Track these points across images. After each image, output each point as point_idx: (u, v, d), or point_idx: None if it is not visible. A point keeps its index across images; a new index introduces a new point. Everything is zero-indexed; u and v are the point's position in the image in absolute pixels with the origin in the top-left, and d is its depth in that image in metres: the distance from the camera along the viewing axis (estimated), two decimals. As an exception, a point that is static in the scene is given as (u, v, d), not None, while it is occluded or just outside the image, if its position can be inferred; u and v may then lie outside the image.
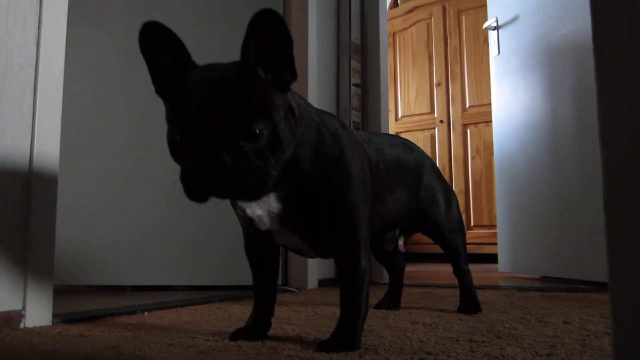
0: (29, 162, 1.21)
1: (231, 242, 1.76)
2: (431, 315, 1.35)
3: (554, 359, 0.85)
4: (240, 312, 1.40)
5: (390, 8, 4.65)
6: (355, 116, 2.47)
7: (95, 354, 0.90)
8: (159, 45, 0.84)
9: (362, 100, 2.54)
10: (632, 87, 0.52)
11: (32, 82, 1.23)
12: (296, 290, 2.00)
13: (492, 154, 3.12)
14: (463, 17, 4.26)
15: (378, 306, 1.51)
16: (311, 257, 1.12)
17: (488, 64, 3.04)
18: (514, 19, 2.72)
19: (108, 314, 1.35)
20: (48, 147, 1.24)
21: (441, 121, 4.25)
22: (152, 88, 0.87)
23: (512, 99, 2.73)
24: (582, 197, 2.18)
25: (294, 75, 0.85)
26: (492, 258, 3.17)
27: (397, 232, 1.38)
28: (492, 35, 2.88)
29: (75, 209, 1.96)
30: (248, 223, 0.99)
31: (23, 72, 1.22)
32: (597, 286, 1.98)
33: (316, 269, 2.14)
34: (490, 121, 3.09)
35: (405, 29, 4.57)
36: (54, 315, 1.23)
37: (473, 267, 1.51)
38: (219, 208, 1.05)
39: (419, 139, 4.28)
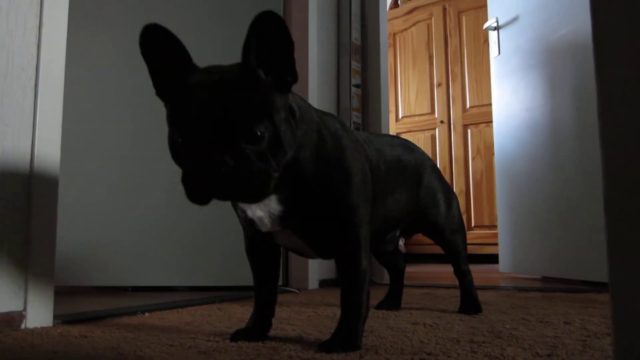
0: (30, 163, 1.21)
1: (232, 243, 1.77)
2: (432, 315, 1.35)
3: (555, 359, 0.85)
4: (241, 313, 1.40)
5: (391, 8, 4.65)
6: (356, 117, 2.48)
7: (96, 355, 0.90)
8: (160, 48, 0.84)
9: (362, 101, 2.54)
10: (632, 87, 0.52)
11: (33, 84, 1.23)
12: (297, 291, 2.00)
13: (493, 154, 3.12)
14: (463, 18, 4.26)
15: (379, 307, 1.51)
16: (312, 257, 1.12)
17: (488, 64, 3.04)
18: (514, 19, 2.72)
19: (109, 314, 1.35)
20: (49, 148, 1.25)
21: (442, 121, 4.25)
22: (152, 89, 0.87)
23: (512, 99, 2.73)
24: (582, 197, 2.18)
25: (294, 77, 0.85)
26: (493, 258, 3.17)
27: (397, 233, 1.39)
28: (493, 35, 2.89)
29: (76, 209, 1.97)
30: (249, 224, 0.99)
31: (24, 73, 1.22)
32: (597, 286, 1.97)
33: (317, 269, 2.14)
34: (491, 121, 3.09)
35: (406, 29, 4.57)
36: (55, 316, 1.23)
37: (474, 268, 1.51)
38: (219, 209, 1.05)
39: (420, 140, 4.28)
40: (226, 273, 2.01)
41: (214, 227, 1.99)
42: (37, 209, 1.21)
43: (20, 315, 1.16)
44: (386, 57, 2.64)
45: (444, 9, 4.35)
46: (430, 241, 1.46)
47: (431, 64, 4.38)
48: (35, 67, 1.24)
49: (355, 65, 2.52)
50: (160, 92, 0.87)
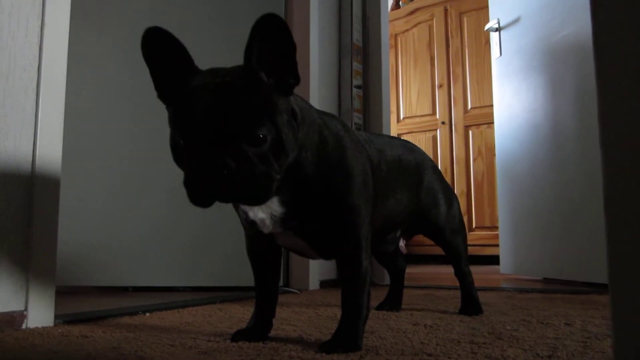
0: (32, 164, 1.22)
1: (233, 243, 1.77)
2: (432, 316, 1.35)
3: (555, 360, 0.85)
4: (242, 313, 1.40)
5: (392, 9, 4.65)
6: (357, 118, 2.48)
7: (97, 355, 0.90)
8: (162, 51, 0.84)
9: (363, 102, 2.54)
10: (633, 88, 0.52)
11: (35, 84, 1.24)
12: (297, 292, 2.00)
13: (494, 155, 3.12)
14: (465, 19, 4.26)
15: (379, 307, 1.51)
16: (313, 258, 1.13)
17: (490, 66, 3.04)
18: (516, 21, 2.72)
19: (110, 314, 1.35)
20: (50, 149, 1.25)
21: (443, 122, 4.25)
22: (153, 90, 0.88)
23: (514, 100, 2.73)
24: (583, 199, 2.18)
25: (296, 80, 0.85)
26: (494, 260, 3.17)
27: (398, 234, 1.39)
28: (494, 36, 2.89)
29: (77, 210, 1.97)
30: (250, 225, 0.99)
31: (26, 74, 1.22)
32: (598, 288, 1.97)
33: (317, 270, 2.14)
34: (492, 123, 3.09)
35: (407, 30, 4.57)
36: (56, 316, 1.24)
37: (474, 269, 1.51)
38: (220, 209, 1.05)
39: (421, 141, 4.28)
40: (227, 273, 2.01)
41: (214, 228, 1.99)
42: (38, 209, 1.21)
43: (21, 315, 1.16)
44: (387, 58, 2.64)
45: (446, 10, 4.35)
46: (430, 242, 1.46)
47: (432, 65, 4.38)
48: (37, 67, 1.24)
49: (357, 66, 2.52)
50: (162, 94, 0.87)
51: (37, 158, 1.22)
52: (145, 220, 2.04)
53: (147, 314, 1.40)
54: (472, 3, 4.19)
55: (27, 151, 1.21)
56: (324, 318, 1.34)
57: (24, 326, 1.16)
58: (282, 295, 1.81)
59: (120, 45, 2.06)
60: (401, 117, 4.51)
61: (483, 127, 4.04)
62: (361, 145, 1.09)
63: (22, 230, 1.18)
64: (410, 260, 3.88)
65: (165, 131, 0.84)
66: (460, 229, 1.44)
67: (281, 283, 2.05)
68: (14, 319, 1.15)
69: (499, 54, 2.85)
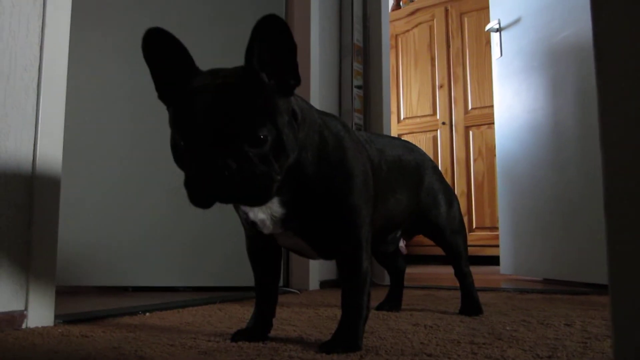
0: (32, 163, 1.22)
1: (233, 244, 1.77)
2: (432, 317, 1.35)
3: (555, 361, 0.85)
4: (242, 313, 1.40)
5: (393, 10, 4.65)
6: (358, 118, 2.48)
7: (97, 355, 0.90)
8: (162, 52, 0.84)
9: (364, 102, 2.54)
10: (633, 89, 0.52)
11: (36, 84, 1.24)
12: (297, 292, 2.00)
13: (495, 156, 3.12)
14: (465, 19, 4.26)
15: (379, 308, 1.51)
16: (313, 258, 1.13)
17: (490, 66, 3.04)
18: (517, 21, 2.72)
19: (110, 314, 1.35)
20: (51, 149, 1.25)
21: (443, 123, 4.25)
22: (153, 90, 0.88)
23: (514, 100, 2.73)
24: (584, 199, 2.18)
25: (297, 80, 0.85)
26: (494, 260, 3.17)
27: (398, 234, 1.39)
28: (495, 37, 2.89)
29: (78, 209, 1.97)
30: (251, 226, 0.99)
31: (26, 74, 1.22)
32: (599, 289, 1.97)
33: (318, 270, 2.14)
34: (493, 123, 3.09)
35: (408, 30, 4.57)
36: (56, 316, 1.24)
37: (475, 269, 1.51)
38: (220, 209, 1.05)
39: (421, 141, 4.28)
40: (227, 273, 2.01)
41: (215, 228, 1.99)
42: (38, 209, 1.21)
43: (21, 315, 1.16)
44: (388, 59, 2.64)
45: (446, 11, 4.35)
46: (431, 242, 1.46)
47: (433, 65, 4.38)
48: (37, 67, 1.24)
49: (357, 66, 2.52)
50: (163, 95, 0.87)
51: (37, 158, 1.22)
52: (145, 220, 2.04)
53: (147, 314, 1.40)
54: (473, 3, 4.19)
55: (27, 151, 1.21)
56: (324, 318, 1.34)
57: (24, 326, 1.16)
58: (282, 295, 1.81)
59: (121, 46, 2.06)
60: (402, 117, 4.51)
61: (483, 127, 4.04)
62: (362, 145, 1.09)
63: (23, 230, 1.19)
64: (411, 261, 3.88)
65: (166, 131, 0.84)
66: (461, 230, 1.44)
67: (281, 283, 2.05)
68: (14, 319, 1.15)
69: (499, 55, 2.85)
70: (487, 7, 3.07)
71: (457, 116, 4.19)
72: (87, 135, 2.04)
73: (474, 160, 4.06)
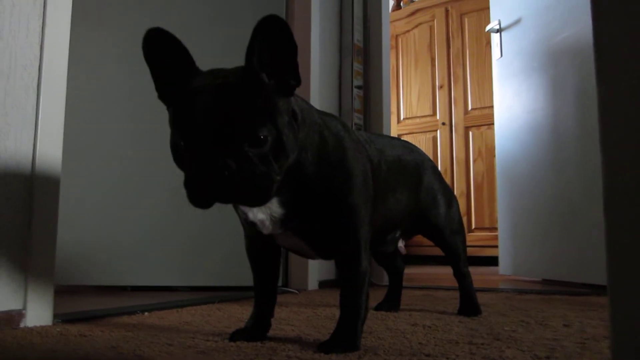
0: (32, 163, 1.22)
1: (232, 243, 1.77)
2: (431, 317, 1.35)
3: (553, 361, 0.85)
4: (240, 313, 1.40)
5: (393, 10, 4.65)
6: (358, 118, 2.48)
7: (95, 354, 0.90)
8: (163, 52, 0.84)
9: (364, 103, 2.54)
10: (633, 89, 0.52)
11: (36, 84, 1.24)
12: (296, 292, 2.00)
13: (494, 156, 3.12)
14: (466, 20, 4.26)
15: (378, 308, 1.51)
16: (312, 258, 1.13)
17: (490, 67, 3.04)
18: (517, 22, 2.72)
19: (108, 314, 1.35)
20: (50, 148, 1.25)
21: (443, 123, 4.25)
22: (153, 89, 0.88)
23: (514, 101, 2.73)
24: (583, 200, 2.18)
25: (297, 81, 0.85)
26: (493, 261, 3.17)
27: (397, 234, 1.39)
28: (495, 37, 2.89)
29: (77, 209, 1.97)
30: (250, 226, 0.99)
31: (26, 73, 1.22)
32: (597, 289, 1.97)
33: (316, 270, 2.14)
34: (492, 124, 3.09)
35: (408, 31, 4.57)
36: (55, 315, 1.24)
37: (473, 270, 1.51)
38: (219, 209, 1.05)
39: (421, 141, 4.28)
40: (226, 273, 2.01)
41: (213, 228, 1.99)
42: (38, 208, 1.21)
43: (20, 314, 1.16)
44: (388, 59, 2.64)
45: (447, 11, 4.35)
46: (430, 243, 1.46)
47: (433, 65, 4.38)
48: (37, 67, 1.24)
49: (357, 66, 2.52)
50: (163, 95, 0.87)
51: (37, 157, 1.22)
52: (145, 220, 2.04)
53: (146, 313, 1.40)
54: (473, 4, 4.19)
55: (27, 150, 1.21)
56: (323, 318, 1.34)
57: (22, 325, 1.16)
58: (281, 295, 1.81)
59: (121, 45, 2.06)
60: (401, 117, 4.51)
61: (483, 128, 4.04)
62: (361, 145, 1.09)
63: (22, 229, 1.19)
64: (410, 261, 3.88)
65: (165, 131, 0.84)
66: (460, 230, 1.44)
67: (280, 283, 2.05)
68: (13, 318, 1.15)
69: (499, 55, 2.85)
70: (488, 8, 3.08)
71: (457, 117, 4.20)
72: (87, 135, 2.04)
73: (474, 161, 4.07)
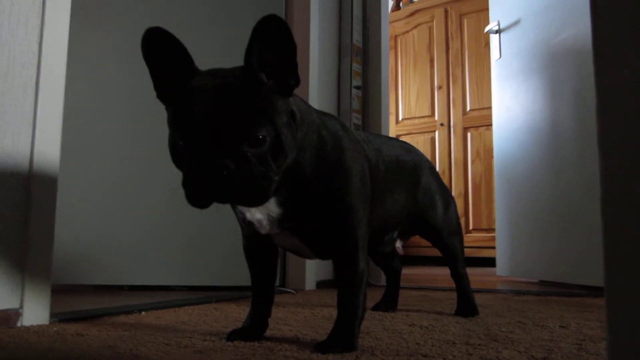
0: (29, 162, 1.21)
1: (229, 243, 1.77)
2: (428, 317, 1.36)
3: (550, 363, 0.85)
4: (238, 313, 1.40)
5: (392, 11, 4.66)
6: (356, 118, 2.48)
7: (92, 353, 0.90)
8: (162, 51, 0.84)
9: (362, 103, 2.54)
10: (632, 90, 0.52)
11: (34, 82, 1.24)
12: (294, 292, 2.00)
13: (492, 157, 3.12)
14: (465, 21, 4.26)
15: (375, 308, 1.51)
16: (310, 258, 1.13)
17: (489, 68, 3.04)
18: (516, 23, 2.72)
19: (105, 313, 1.35)
20: (48, 147, 1.25)
21: (442, 124, 4.25)
22: (152, 90, 0.88)
23: (513, 102, 2.74)
24: (582, 201, 2.18)
25: (297, 81, 0.85)
26: (491, 262, 3.18)
27: (395, 234, 1.39)
28: (494, 38, 2.89)
29: (74, 208, 1.97)
30: (248, 226, 0.99)
31: (25, 71, 1.22)
32: (594, 291, 1.98)
33: (314, 270, 2.14)
34: (491, 125, 3.09)
35: (407, 31, 4.58)
36: (52, 314, 1.24)
37: (471, 271, 1.51)
38: (218, 209, 1.05)
39: (419, 142, 4.29)
40: (223, 273, 2.01)
41: (211, 227, 1.99)
42: (35, 207, 1.21)
43: (16, 313, 1.16)
44: (387, 59, 2.64)
45: (446, 12, 4.36)
46: (427, 243, 1.46)
47: (432, 66, 4.39)
48: (36, 65, 1.24)
49: (356, 67, 2.52)
50: (162, 95, 0.87)
51: (35, 156, 1.22)
52: (142, 220, 2.04)
53: (143, 312, 1.40)
54: (473, 5, 4.19)
55: (25, 149, 1.21)
56: (320, 318, 1.34)
57: (19, 324, 1.16)
58: (279, 295, 1.81)
59: (120, 45, 2.06)
60: (400, 118, 4.52)
61: (482, 129, 4.05)
62: (360, 145, 1.09)
63: (19, 228, 1.18)
64: (407, 262, 3.89)
65: (165, 131, 0.84)
66: (457, 231, 1.44)
67: (277, 283, 2.05)
68: (9, 317, 1.15)
69: (498, 56, 2.85)
70: (487, 9, 3.08)
71: (455, 117, 4.20)
72: (86, 135, 2.04)
73: (472, 162, 4.07)
